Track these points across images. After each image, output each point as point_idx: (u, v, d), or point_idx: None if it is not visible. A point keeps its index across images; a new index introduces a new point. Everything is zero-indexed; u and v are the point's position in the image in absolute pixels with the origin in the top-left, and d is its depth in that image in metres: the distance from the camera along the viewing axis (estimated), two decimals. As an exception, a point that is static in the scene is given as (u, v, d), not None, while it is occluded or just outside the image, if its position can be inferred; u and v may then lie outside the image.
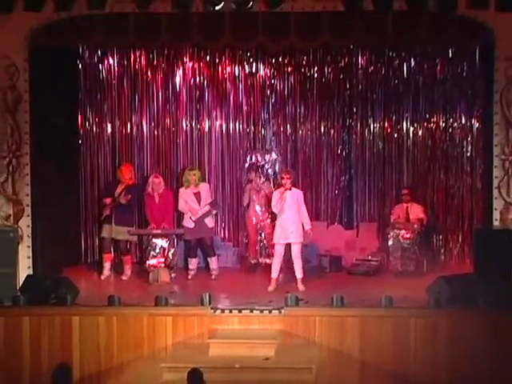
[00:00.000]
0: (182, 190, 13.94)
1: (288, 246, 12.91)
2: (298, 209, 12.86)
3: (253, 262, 14.32)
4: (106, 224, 13.85)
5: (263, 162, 14.62)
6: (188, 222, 13.85)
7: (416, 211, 14.14)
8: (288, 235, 12.83)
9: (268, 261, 13.67)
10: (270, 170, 14.57)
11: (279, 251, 12.93)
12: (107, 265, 13.92)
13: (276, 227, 12.97)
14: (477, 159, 14.58)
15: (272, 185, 14.27)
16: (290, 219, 12.82)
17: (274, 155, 14.71)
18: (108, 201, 13.77)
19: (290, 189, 12.89)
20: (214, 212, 13.95)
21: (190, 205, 13.80)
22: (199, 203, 13.79)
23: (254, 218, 14.33)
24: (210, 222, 13.87)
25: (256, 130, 15.24)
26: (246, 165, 14.68)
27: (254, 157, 14.65)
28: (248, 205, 14.39)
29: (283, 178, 12.96)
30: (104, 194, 14.19)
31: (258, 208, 14.24)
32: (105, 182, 14.95)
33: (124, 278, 13.87)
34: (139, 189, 14.21)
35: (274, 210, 12.94)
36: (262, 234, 14.29)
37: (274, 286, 12.83)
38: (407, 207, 14.20)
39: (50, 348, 11.30)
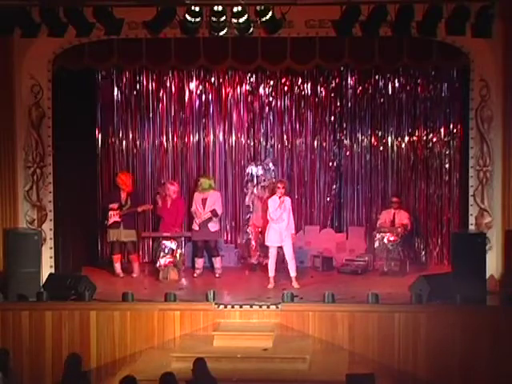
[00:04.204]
0: (195, 194, 14.01)
1: (281, 248, 12.94)
2: (288, 214, 12.92)
3: (255, 262, 14.33)
4: (114, 229, 13.79)
5: (261, 172, 14.65)
6: (195, 225, 13.90)
7: (402, 217, 14.11)
8: (283, 238, 12.84)
9: (266, 261, 13.60)
10: (266, 179, 14.60)
11: (273, 253, 12.94)
12: (118, 265, 13.90)
13: (270, 231, 12.94)
14: (454, 170, 14.57)
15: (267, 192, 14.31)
16: (284, 224, 12.86)
17: (270, 165, 14.74)
18: (115, 206, 13.78)
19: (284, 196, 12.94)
20: (215, 219, 13.90)
21: (197, 208, 13.85)
22: (205, 208, 13.84)
23: (256, 223, 14.38)
24: (212, 226, 13.85)
25: (255, 143, 15.26)
26: (246, 175, 14.72)
27: (252, 168, 14.69)
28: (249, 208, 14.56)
29: (278, 188, 12.97)
30: (107, 201, 14.08)
31: (260, 214, 14.28)
32: (106, 191, 14.89)
33: (134, 275, 13.87)
34: (140, 194, 14.35)
35: (273, 216, 12.86)
36: (260, 237, 14.34)
37: (272, 284, 12.86)
38: (394, 213, 14.18)
39: (70, 339, 11.34)
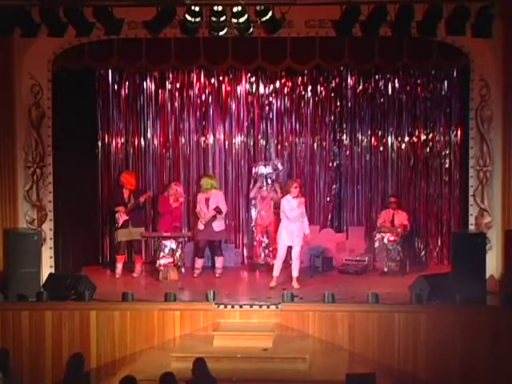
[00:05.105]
0: (198, 195, 14.06)
1: (289, 248, 12.92)
2: (302, 214, 12.91)
3: (261, 262, 14.31)
4: (124, 228, 13.74)
5: (269, 172, 14.63)
6: (199, 225, 13.91)
7: (401, 218, 14.11)
8: (293, 239, 12.79)
9: (273, 261, 13.55)
10: (274, 179, 14.59)
11: (282, 252, 12.92)
12: (120, 265, 13.88)
13: (282, 230, 12.91)
14: (454, 170, 14.55)
15: (279, 192, 14.28)
16: (297, 224, 12.81)
17: (279, 165, 14.72)
18: (121, 207, 13.75)
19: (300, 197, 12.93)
20: (220, 217, 13.91)
21: (201, 209, 13.86)
22: (208, 208, 13.84)
23: (261, 223, 14.37)
24: (217, 226, 13.86)
25: (255, 143, 15.26)
26: (255, 174, 14.70)
27: (260, 167, 14.68)
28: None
29: (296, 187, 12.87)
30: (111, 201, 14.09)
31: (264, 214, 14.28)
32: (109, 191, 14.88)
33: (135, 275, 13.86)
34: (142, 192, 14.22)
35: (289, 215, 12.72)
36: (265, 237, 14.34)
37: (275, 283, 12.82)
38: (393, 214, 14.20)
39: (70, 339, 11.35)
